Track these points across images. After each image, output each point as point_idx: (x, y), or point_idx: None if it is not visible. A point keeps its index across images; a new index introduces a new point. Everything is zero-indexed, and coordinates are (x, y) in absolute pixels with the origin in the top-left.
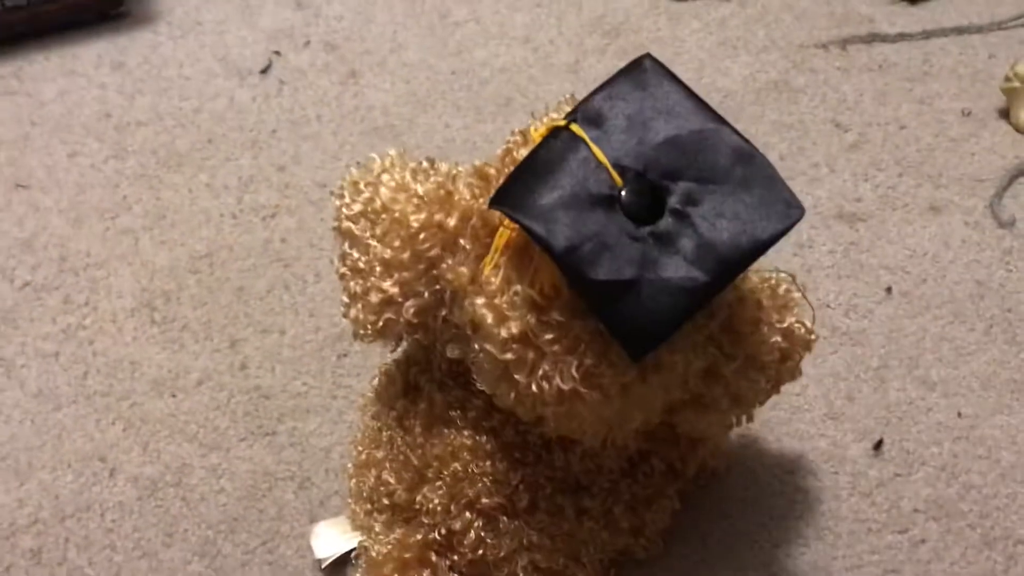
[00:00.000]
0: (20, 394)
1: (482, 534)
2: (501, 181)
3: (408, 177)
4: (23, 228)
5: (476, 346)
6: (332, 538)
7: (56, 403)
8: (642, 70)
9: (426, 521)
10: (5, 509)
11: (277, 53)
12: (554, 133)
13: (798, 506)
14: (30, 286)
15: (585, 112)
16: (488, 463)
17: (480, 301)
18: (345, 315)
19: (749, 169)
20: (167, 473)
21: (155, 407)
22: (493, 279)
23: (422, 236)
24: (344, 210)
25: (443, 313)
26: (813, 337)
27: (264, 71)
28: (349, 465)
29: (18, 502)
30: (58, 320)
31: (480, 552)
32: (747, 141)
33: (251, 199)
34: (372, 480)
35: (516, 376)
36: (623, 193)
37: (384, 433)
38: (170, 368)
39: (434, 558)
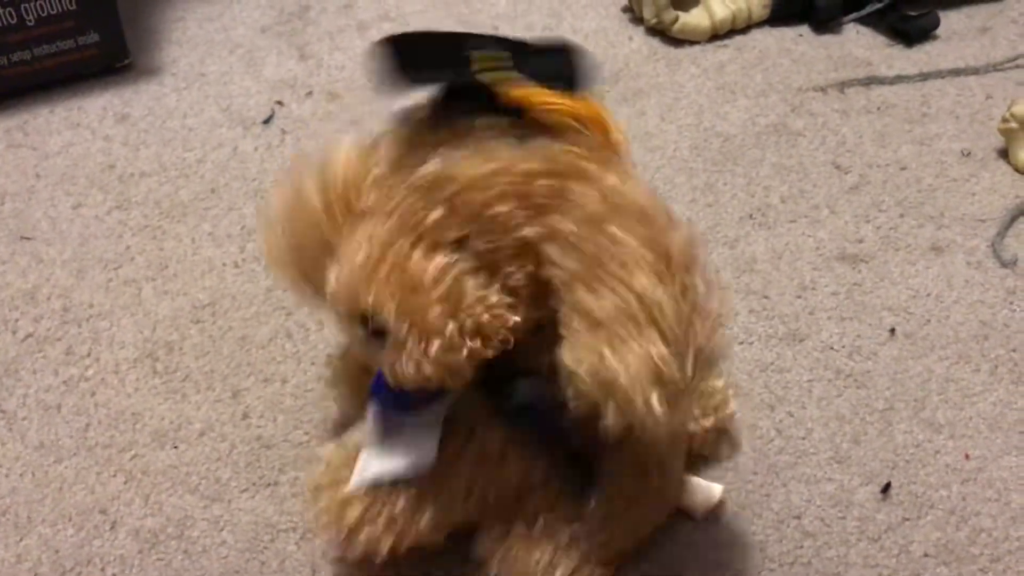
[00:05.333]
0: (21, 447)
1: None
2: None
3: None
4: (26, 279)
5: None
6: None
7: (57, 455)
8: None
9: None
10: (4, 565)
11: (280, 103)
12: None
13: (806, 552)
14: (32, 337)
15: None
16: None
17: None
18: None
19: None
20: (169, 525)
21: (157, 458)
22: None
23: None
24: None
25: None
26: None
27: (267, 121)
28: None
29: (17, 557)
30: (60, 372)
31: None
32: None
33: (254, 248)
34: None
35: None
36: None
37: None
38: (172, 419)
39: None
